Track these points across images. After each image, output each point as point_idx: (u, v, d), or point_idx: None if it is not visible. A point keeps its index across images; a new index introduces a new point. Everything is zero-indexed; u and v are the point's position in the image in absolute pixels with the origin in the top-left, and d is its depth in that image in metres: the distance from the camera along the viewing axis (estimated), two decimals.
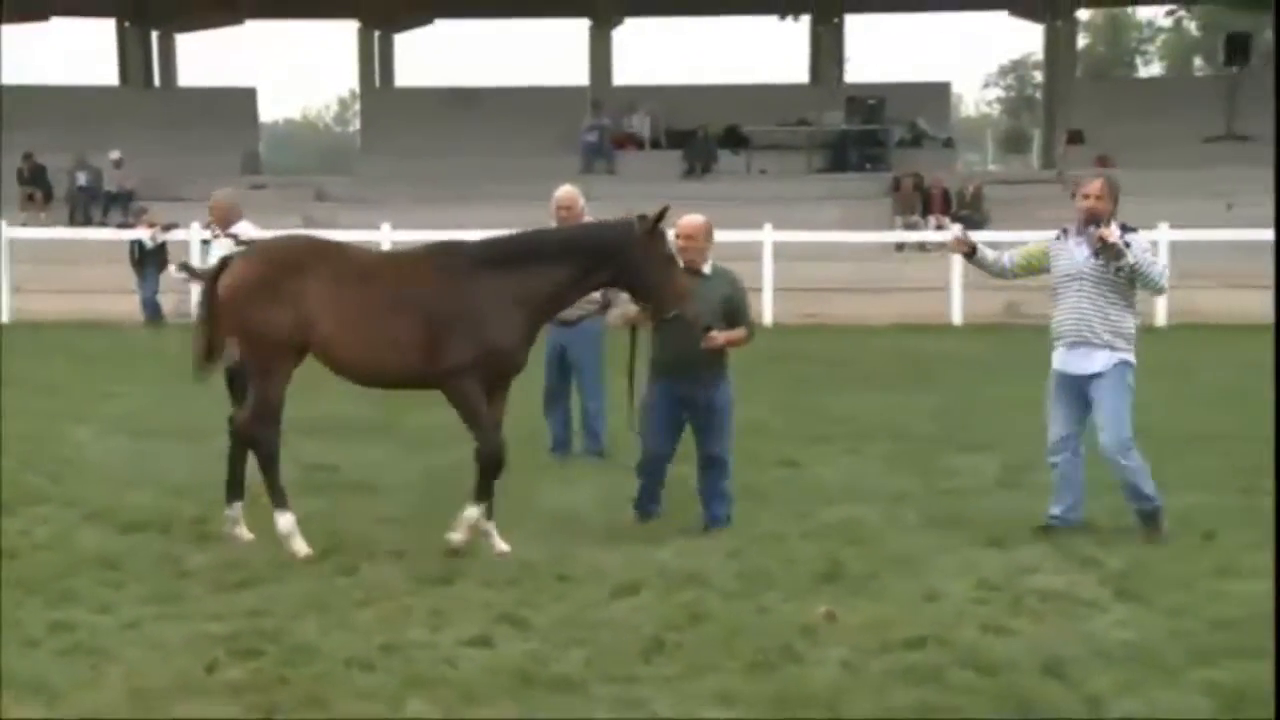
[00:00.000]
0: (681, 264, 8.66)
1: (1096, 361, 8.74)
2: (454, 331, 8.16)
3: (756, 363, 12.62)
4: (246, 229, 11.44)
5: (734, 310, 8.83)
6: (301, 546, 8.22)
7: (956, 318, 23.71)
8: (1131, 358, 8.84)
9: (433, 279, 8.36)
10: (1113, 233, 8.59)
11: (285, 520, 8.30)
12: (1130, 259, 8.58)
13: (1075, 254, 8.83)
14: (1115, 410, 8.74)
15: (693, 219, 8.92)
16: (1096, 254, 8.69)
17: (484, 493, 8.26)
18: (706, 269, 8.86)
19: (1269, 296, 23.78)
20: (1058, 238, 9.04)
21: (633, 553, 8.25)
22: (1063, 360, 8.88)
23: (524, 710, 5.76)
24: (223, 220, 11.48)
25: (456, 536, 8.18)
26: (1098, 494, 9.06)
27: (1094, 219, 8.70)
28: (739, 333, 8.79)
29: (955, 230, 9.44)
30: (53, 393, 15.28)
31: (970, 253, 9.23)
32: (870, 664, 6.28)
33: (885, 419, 13.31)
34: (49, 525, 9.05)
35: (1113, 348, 8.74)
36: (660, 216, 8.29)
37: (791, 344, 11.52)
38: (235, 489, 8.68)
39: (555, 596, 7.35)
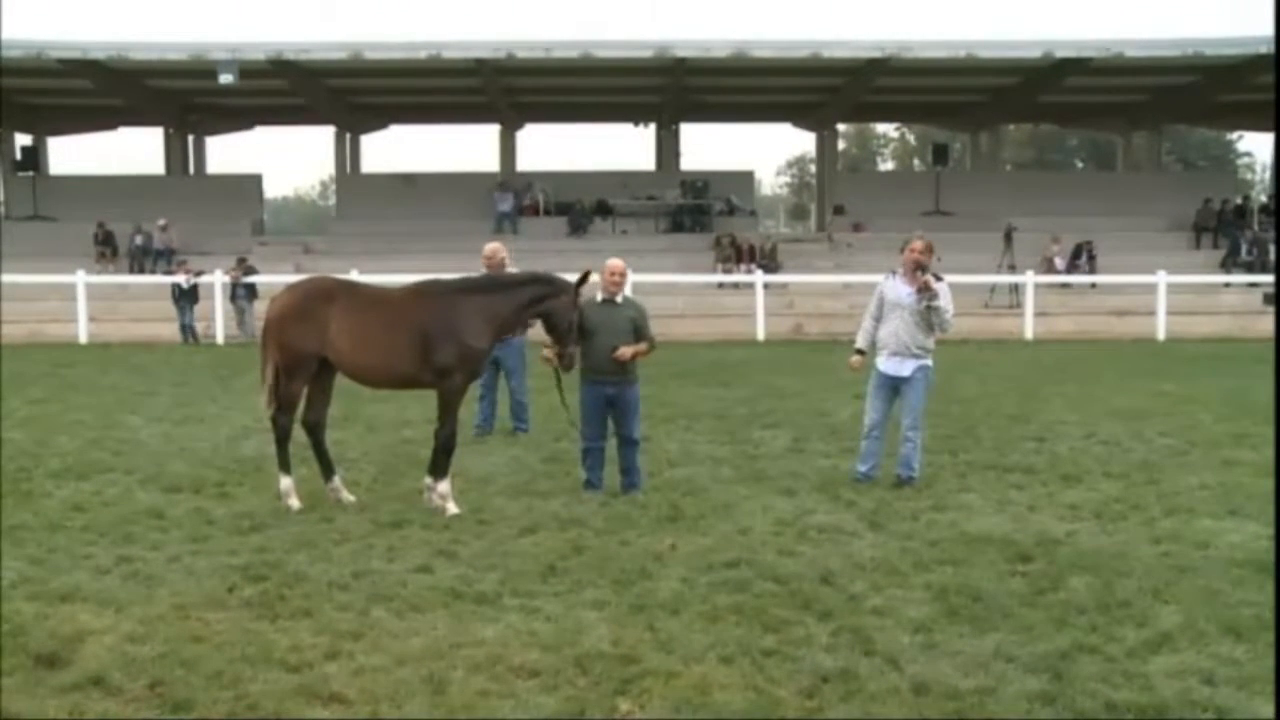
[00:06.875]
0: (605, 294, 8.51)
1: (908, 368, 8.77)
2: (442, 341, 7.83)
3: None
4: None
5: (639, 329, 8.53)
6: (295, 502, 8.00)
7: (760, 335, 23.90)
8: (930, 362, 8.86)
9: (424, 305, 8.01)
10: (932, 280, 8.61)
11: (286, 482, 8.07)
12: (937, 301, 8.62)
13: (900, 289, 8.79)
14: (916, 402, 8.79)
15: (616, 262, 8.63)
16: (919, 291, 8.65)
17: (442, 467, 7.95)
18: (620, 299, 8.67)
19: (965, 321, 24.70)
20: (888, 277, 8.98)
21: (532, 504, 8.16)
22: (885, 365, 8.84)
23: (455, 617, 5.66)
24: None
25: (450, 506, 7.83)
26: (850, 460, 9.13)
27: (919, 266, 8.72)
28: (640, 347, 8.48)
29: (856, 360, 9.15)
30: (115, 393, 14.89)
31: (862, 353, 9.06)
32: (700, 579, 6.28)
33: (709, 406, 13.38)
34: (113, 488, 8.77)
35: (919, 358, 8.77)
36: (583, 281, 8.07)
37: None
38: (327, 468, 8.26)
39: (476, 535, 7.24)
